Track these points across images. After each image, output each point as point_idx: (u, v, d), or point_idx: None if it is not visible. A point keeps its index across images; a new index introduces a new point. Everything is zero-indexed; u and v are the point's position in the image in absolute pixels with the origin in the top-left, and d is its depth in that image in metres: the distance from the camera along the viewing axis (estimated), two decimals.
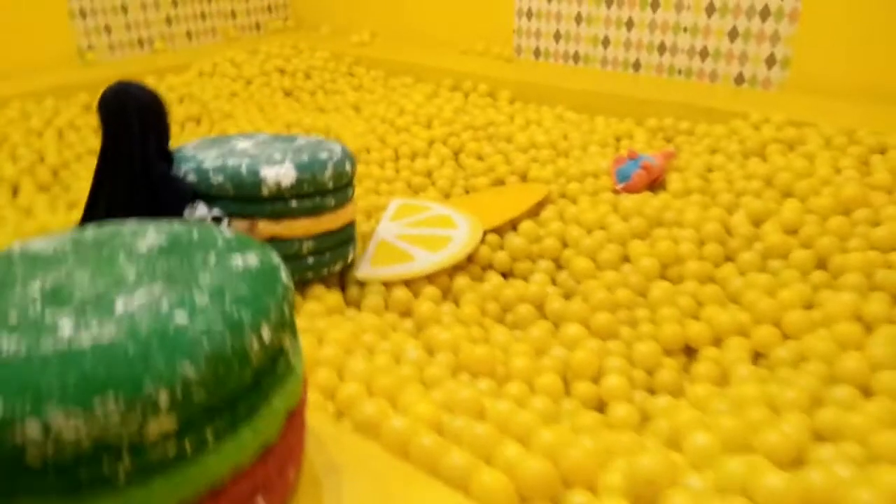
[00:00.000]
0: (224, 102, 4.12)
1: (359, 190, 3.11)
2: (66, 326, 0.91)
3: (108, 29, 4.68)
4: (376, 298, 2.24)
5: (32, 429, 0.80)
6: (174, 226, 1.20)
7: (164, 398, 0.85)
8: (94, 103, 4.06)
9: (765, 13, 3.56)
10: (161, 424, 0.86)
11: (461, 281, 2.37)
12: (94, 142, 3.65)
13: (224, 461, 0.95)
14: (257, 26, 5.52)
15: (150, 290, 0.99)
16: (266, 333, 0.97)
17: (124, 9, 4.73)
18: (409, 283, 2.32)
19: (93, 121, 3.83)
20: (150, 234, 1.16)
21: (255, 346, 0.95)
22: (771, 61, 3.62)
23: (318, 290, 2.24)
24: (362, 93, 4.34)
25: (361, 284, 2.34)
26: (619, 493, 1.26)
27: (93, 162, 3.47)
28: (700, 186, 2.70)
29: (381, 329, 2.07)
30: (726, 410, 1.56)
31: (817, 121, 3.08)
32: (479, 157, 3.35)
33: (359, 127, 3.72)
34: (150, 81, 4.35)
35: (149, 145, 1.96)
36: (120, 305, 0.95)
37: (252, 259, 1.09)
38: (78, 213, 2.84)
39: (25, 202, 2.91)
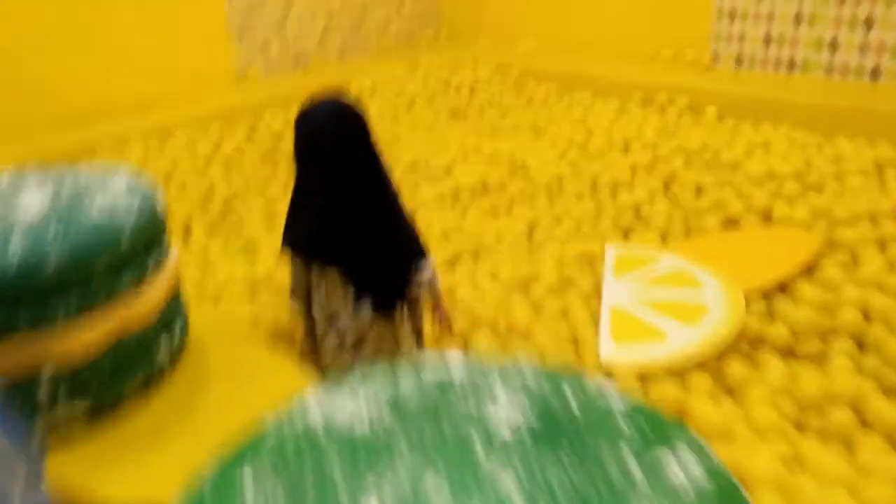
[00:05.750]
0: (390, 124, 3.78)
1: (559, 231, 2.65)
2: None
3: (264, 49, 4.47)
4: (634, 394, 1.76)
5: None
6: (526, 378, 0.78)
7: None
8: (255, 125, 3.79)
9: None
10: None
11: (736, 367, 1.84)
12: (261, 169, 3.40)
13: None
14: (410, 38, 5.20)
15: None
16: None
17: (281, 26, 4.51)
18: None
19: (256, 146, 3.59)
20: (500, 399, 0.74)
21: None
22: None
23: None
24: (536, 109, 3.88)
25: (608, 372, 1.86)
26: None
27: (259, 190, 3.21)
28: None
29: None
30: None
31: None
32: (699, 190, 2.80)
33: (545, 152, 3.25)
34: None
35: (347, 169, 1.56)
36: None
37: (690, 464, 0.64)
38: (255, 259, 2.55)
39: (199, 246, 2.64)
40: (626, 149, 3.19)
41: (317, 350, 1.72)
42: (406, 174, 3.19)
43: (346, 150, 1.55)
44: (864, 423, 1.65)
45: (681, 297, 2.09)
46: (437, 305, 1.75)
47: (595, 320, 2.06)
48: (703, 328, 1.92)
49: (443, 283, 1.83)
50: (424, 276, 1.64)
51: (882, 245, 2.20)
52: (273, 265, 2.37)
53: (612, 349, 1.89)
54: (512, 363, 0.83)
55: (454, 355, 0.88)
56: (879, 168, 2.72)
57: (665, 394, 1.73)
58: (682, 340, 1.89)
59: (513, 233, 2.65)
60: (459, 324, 2.05)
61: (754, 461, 1.49)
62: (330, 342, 1.66)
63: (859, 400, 1.69)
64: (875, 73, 3.40)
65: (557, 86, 4.09)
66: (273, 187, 3.18)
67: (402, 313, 1.66)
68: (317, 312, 1.66)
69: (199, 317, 1.73)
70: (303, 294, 1.70)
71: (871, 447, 1.56)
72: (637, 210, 2.78)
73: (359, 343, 1.66)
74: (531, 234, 2.66)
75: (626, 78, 3.84)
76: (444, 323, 1.77)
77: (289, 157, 3.45)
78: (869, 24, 3.35)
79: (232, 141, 3.62)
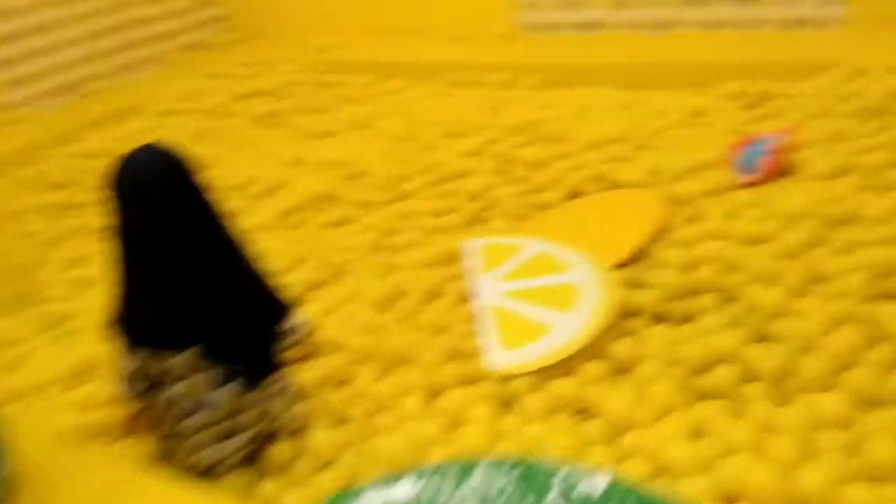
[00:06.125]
0: (200, 147, 3.40)
1: (411, 234, 2.51)
2: None
3: (29, 80, 3.85)
4: (535, 398, 1.68)
5: None
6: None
7: None
8: (35, 170, 3.27)
9: None
10: None
11: (621, 345, 1.82)
12: (54, 224, 2.92)
13: None
14: (200, 45, 4.74)
15: None
16: None
17: (44, 52, 3.90)
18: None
19: (41, 197, 3.09)
20: None
21: None
22: None
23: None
24: (356, 105, 3.68)
25: (502, 378, 1.77)
26: None
27: (58, 251, 2.75)
28: (844, 164, 2.22)
29: (576, 447, 1.52)
30: None
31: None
32: (537, 165, 2.79)
33: (377, 151, 3.08)
34: (94, 136, 3.60)
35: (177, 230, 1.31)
36: None
37: None
38: (73, 338, 2.16)
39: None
40: (458, 134, 3.11)
41: (177, 449, 1.45)
42: (232, 198, 2.87)
43: (177, 205, 1.30)
44: (748, 375, 1.70)
45: (553, 283, 2.05)
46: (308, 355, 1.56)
47: (474, 325, 1.96)
48: (582, 311, 1.89)
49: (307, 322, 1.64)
50: (294, 332, 1.44)
51: (718, 194, 2.30)
52: (96, 342, 2.01)
53: (500, 357, 1.80)
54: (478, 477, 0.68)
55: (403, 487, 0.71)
56: (695, 117, 2.86)
57: (564, 391, 1.68)
58: (566, 329, 1.84)
59: (364, 245, 2.47)
60: (337, 361, 1.86)
61: (668, 448, 1.47)
62: (195, 437, 1.41)
63: (738, 353, 1.74)
64: (667, 26, 3.60)
65: (372, 77, 3.92)
66: (75, 244, 2.74)
67: (277, 381, 1.45)
68: (173, 406, 1.40)
69: (22, 439, 1.41)
70: (147, 387, 1.42)
71: (760, 399, 1.61)
72: (483, 196, 2.71)
73: (231, 429, 1.42)
74: (384, 242, 2.50)
75: (440, 59, 3.77)
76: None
77: (87, 204, 3.01)
78: None
79: (10, 195, 3.09)
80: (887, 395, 1.48)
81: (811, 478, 1.34)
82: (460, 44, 3.96)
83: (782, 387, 1.62)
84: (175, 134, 3.52)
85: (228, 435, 1.46)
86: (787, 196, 2.12)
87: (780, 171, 2.30)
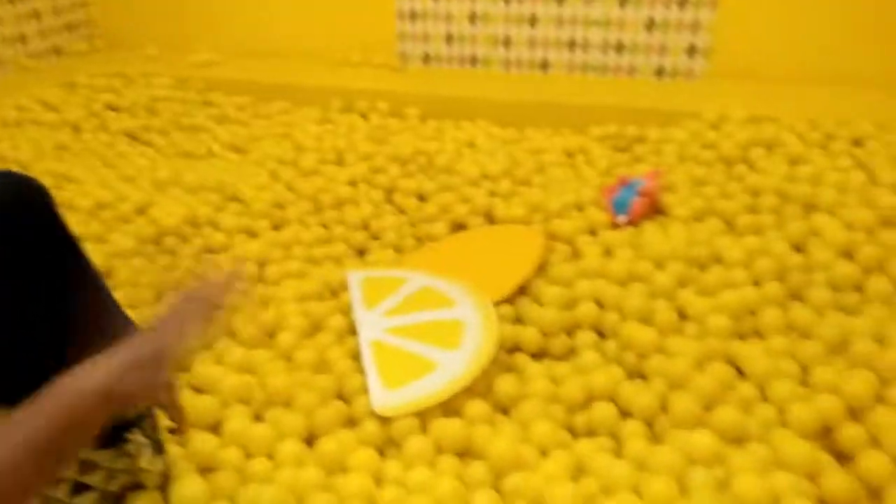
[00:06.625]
0: (53, 161, 3.12)
1: (294, 263, 2.42)
2: None
3: None
4: (418, 441, 1.64)
5: None
6: None
7: None
8: None
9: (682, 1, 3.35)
10: None
11: (504, 383, 1.82)
12: None
13: None
14: (57, 51, 4.38)
15: None
16: None
17: None
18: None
19: None
20: None
21: None
22: (692, 51, 3.43)
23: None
24: (232, 126, 3.53)
25: (384, 419, 1.71)
26: None
27: None
28: (705, 208, 2.38)
29: (459, 491, 1.49)
30: None
31: (753, 106, 2.95)
32: (421, 197, 2.79)
33: (255, 176, 2.96)
34: None
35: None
36: None
37: None
38: None
39: None
40: (341, 161, 3.05)
41: None
42: (89, 222, 2.64)
43: (31, 240, 1.15)
44: (625, 412, 1.75)
45: (438, 319, 2.03)
46: (172, 409, 1.43)
47: (357, 362, 1.90)
48: (466, 349, 1.87)
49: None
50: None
51: (594, 233, 2.38)
52: None
53: (384, 397, 1.75)
54: None
55: None
56: (570, 156, 2.97)
57: (447, 432, 1.65)
58: (451, 367, 1.82)
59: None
60: (207, 403, 1.73)
61: (551, 489, 1.47)
62: (42, 496, 1.25)
63: (615, 390, 1.79)
64: (544, 66, 3.74)
65: (251, 98, 3.78)
66: None
67: (138, 439, 1.31)
68: None
69: None
70: None
71: (636, 437, 1.65)
72: (367, 226, 2.67)
73: (82, 486, 1.27)
74: (261, 274, 2.38)
75: (323, 84, 3.69)
76: (179, 424, 1.46)
77: None
78: (534, 21, 3.66)
79: None
80: (751, 432, 1.57)
81: None
82: (342, 70, 3.92)
83: (656, 424, 1.68)
84: (26, 146, 3.21)
85: (77, 491, 1.30)
86: (657, 238, 2.23)
87: (651, 212, 2.42)
